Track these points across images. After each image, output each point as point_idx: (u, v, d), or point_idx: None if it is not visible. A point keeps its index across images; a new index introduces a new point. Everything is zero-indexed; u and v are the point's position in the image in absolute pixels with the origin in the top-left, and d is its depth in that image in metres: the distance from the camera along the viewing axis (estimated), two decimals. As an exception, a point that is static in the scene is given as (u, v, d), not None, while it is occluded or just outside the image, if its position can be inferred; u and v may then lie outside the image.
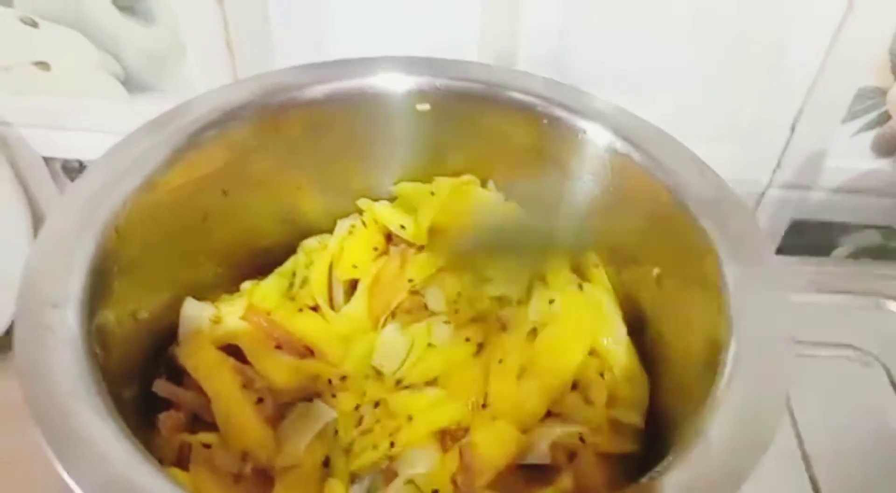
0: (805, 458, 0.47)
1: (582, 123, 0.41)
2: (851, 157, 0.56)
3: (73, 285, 0.31)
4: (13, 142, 0.57)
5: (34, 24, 0.52)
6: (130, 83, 0.54)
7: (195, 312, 0.41)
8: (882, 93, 0.52)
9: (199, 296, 0.42)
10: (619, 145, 0.40)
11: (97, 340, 0.31)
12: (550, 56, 0.51)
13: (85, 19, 0.51)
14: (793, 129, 0.54)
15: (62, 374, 0.28)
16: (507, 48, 0.51)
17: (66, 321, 0.30)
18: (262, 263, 0.45)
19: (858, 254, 0.62)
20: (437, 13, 0.50)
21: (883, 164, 0.56)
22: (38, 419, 0.26)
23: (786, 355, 0.31)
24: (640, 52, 0.51)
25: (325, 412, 0.37)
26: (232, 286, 0.44)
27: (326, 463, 0.37)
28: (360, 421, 0.38)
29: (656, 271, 0.40)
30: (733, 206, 0.36)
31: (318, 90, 0.42)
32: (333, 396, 0.39)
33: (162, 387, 0.38)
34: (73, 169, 0.60)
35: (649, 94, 0.52)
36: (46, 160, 0.59)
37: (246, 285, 0.44)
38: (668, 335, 0.39)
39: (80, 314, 0.30)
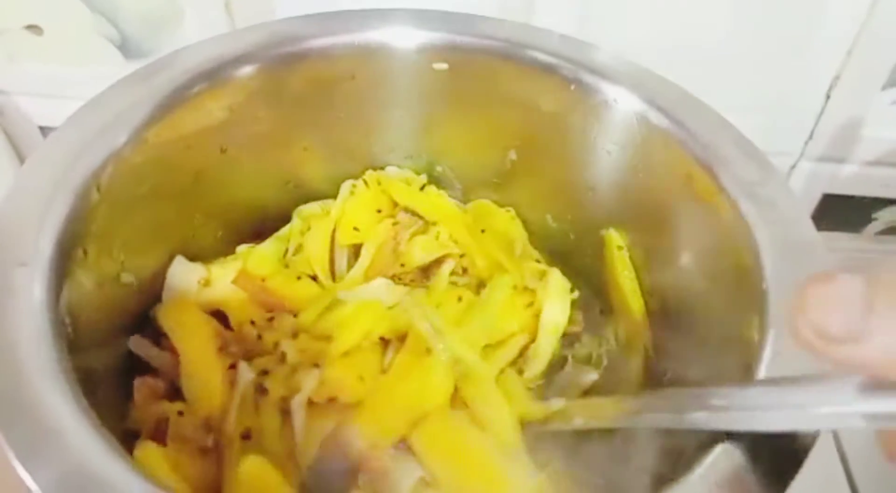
0: (840, 452, 0.45)
1: (610, 89, 0.38)
2: (890, 127, 0.53)
3: (44, 243, 0.28)
4: (8, 111, 0.55)
5: (25, -14, 0.49)
6: (127, 48, 0.51)
7: (183, 271, 0.39)
8: (924, 59, 0.48)
9: (192, 260, 0.39)
10: (653, 116, 0.37)
11: (67, 303, 0.28)
12: (573, 19, 0.48)
13: (77, -21, 0.48)
14: (828, 96, 0.51)
15: (23, 341, 0.26)
16: (526, 6, 0.48)
17: (33, 281, 0.27)
18: (262, 227, 0.43)
19: (893, 229, 0.59)
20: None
21: (922, 135, 0.53)
22: (4, 422, 0.24)
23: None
24: (668, 16, 0.48)
25: (244, 374, 0.35)
26: (228, 251, 0.42)
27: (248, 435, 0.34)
28: (282, 358, 0.36)
29: (686, 257, 0.37)
30: (779, 189, 0.33)
31: (324, 42, 0.39)
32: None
33: (137, 343, 0.36)
34: (71, 139, 0.58)
35: (677, 59, 0.49)
36: (42, 130, 0.57)
37: (242, 249, 0.42)
38: (695, 329, 0.36)
39: (50, 275, 0.28)
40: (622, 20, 0.48)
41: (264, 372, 0.35)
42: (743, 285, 0.31)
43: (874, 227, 0.59)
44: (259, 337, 0.37)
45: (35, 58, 0.52)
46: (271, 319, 0.38)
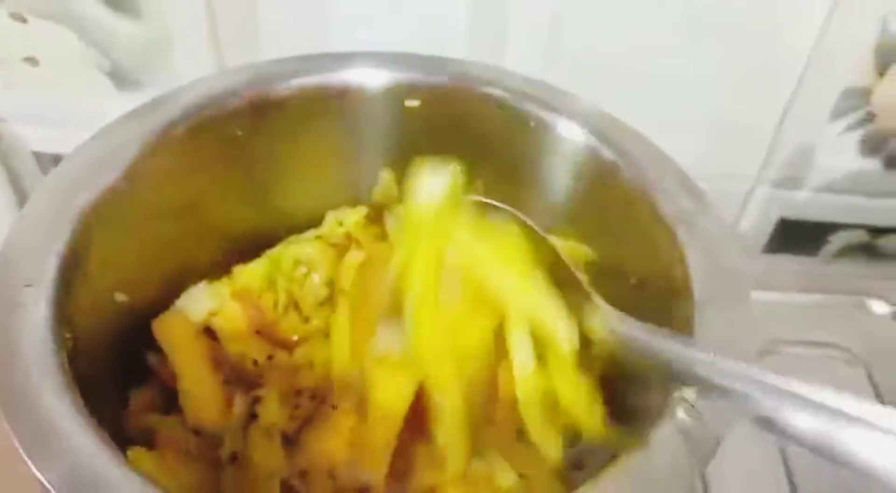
0: (783, 455, 0.47)
1: (566, 126, 0.41)
2: (839, 155, 0.56)
3: (49, 266, 0.32)
4: (4, 136, 0.58)
5: (23, 20, 0.52)
6: (118, 78, 0.54)
7: (198, 300, 0.41)
8: (867, 92, 0.52)
9: (188, 281, 0.42)
10: (604, 152, 0.40)
11: (68, 321, 0.31)
12: (539, 51, 0.51)
13: (72, 14, 0.51)
14: (780, 125, 0.54)
15: (30, 354, 0.29)
16: (496, 43, 0.51)
17: (39, 300, 0.30)
18: (256, 251, 0.45)
19: (845, 253, 0.62)
20: (426, 8, 0.50)
21: (870, 163, 0.56)
22: (4, 404, 0.27)
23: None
24: (629, 49, 0.51)
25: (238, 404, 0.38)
26: (222, 274, 0.44)
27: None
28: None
29: (634, 279, 0.39)
30: (711, 219, 0.36)
31: (297, 83, 0.42)
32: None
33: (153, 360, 0.39)
34: (64, 163, 0.60)
35: (637, 89, 0.52)
36: (36, 155, 0.59)
37: (238, 269, 0.44)
38: None
39: (53, 294, 0.31)
40: (586, 44, 0.51)
41: (256, 399, 0.38)
42: (677, 300, 0.34)
43: (828, 250, 0.62)
44: (255, 363, 0.40)
45: (31, 86, 0.55)
46: (270, 358, 0.40)
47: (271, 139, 0.43)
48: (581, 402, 0.36)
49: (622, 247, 0.40)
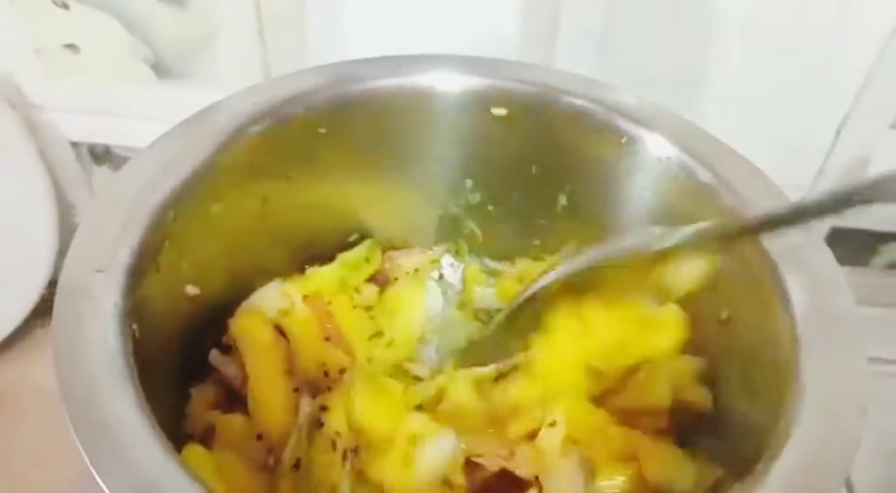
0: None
1: (653, 140, 0.39)
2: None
3: (122, 253, 0.31)
4: (41, 126, 0.57)
5: (65, 6, 0.51)
6: (160, 68, 0.53)
7: (272, 296, 0.41)
8: (933, 100, 0.50)
9: (257, 278, 0.42)
10: (697, 169, 0.38)
11: (136, 310, 0.31)
12: (590, 58, 0.50)
13: (116, 2, 0.50)
14: (838, 133, 0.53)
15: (94, 340, 0.28)
16: (545, 55, 0.50)
17: (108, 287, 0.30)
18: (327, 251, 0.45)
19: (897, 264, 0.61)
20: (478, 22, 0.49)
21: (929, 172, 0.54)
22: (66, 398, 0.26)
23: (854, 426, 0.29)
24: (684, 50, 0.50)
25: (305, 406, 0.37)
26: (293, 272, 0.44)
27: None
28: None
29: (725, 313, 0.38)
30: (816, 251, 0.34)
31: (378, 84, 0.41)
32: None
33: (215, 357, 0.39)
34: (100, 154, 0.59)
35: (692, 92, 0.51)
36: (73, 145, 0.58)
37: (311, 270, 0.44)
38: (729, 388, 0.37)
39: (124, 282, 0.30)
40: (641, 56, 0.50)
41: (323, 407, 0.37)
42: (775, 344, 0.32)
43: (879, 260, 0.61)
44: (325, 374, 0.39)
45: (71, 75, 0.54)
46: (342, 372, 0.39)
47: (351, 140, 0.42)
48: None
49: (716, 277, 0.38)
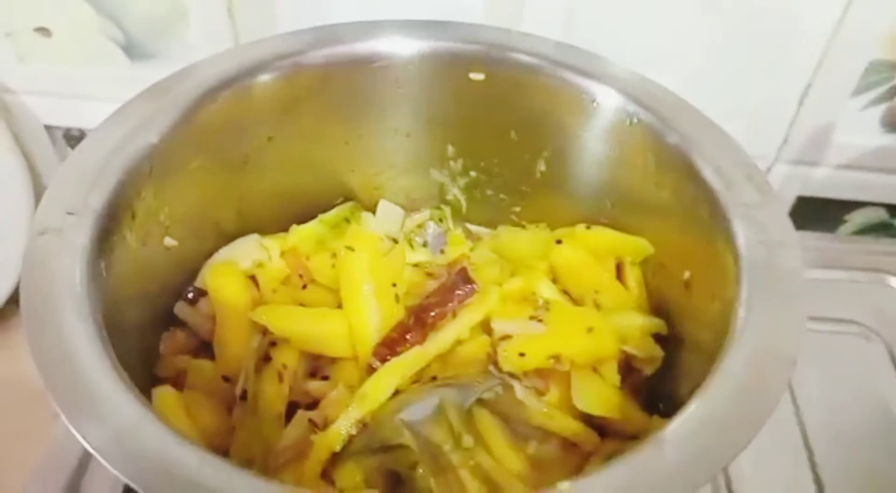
0: (802, 430, 0.47)
1: (621, 104, 0.41)
2: (860, 132, 0.55)
3: (94, 199, 0.32)
4: (15, 109, 0.57)
5: (35, -11, 0.51)
6: (131, 50, 0.53)
7: (248, 249, 0.43)
8: (893, 66, 0.51)
9: (238, 236, 0.43)
10: (673, 138, 0.39)
11: (106, 252, 0.32)
12: (558, 29, 0.50)
13: (86, -16, 0.50)
14: (801, 103, 0.54)
15: (62, 280, 0.30)
16: (513, 14, 0.50)
17: (78, 228, 0.31)
18: (306, 210, 0.46)
19: (864, 231, 0.62)
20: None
21: (892, 139, 0.55)
22: (29, 326, 0.28)
23: (779, 377, 0.30)
24: (647, 25, 0.51)
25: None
26: (270, 229, 0.45)
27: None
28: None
29: (687, 274, 0.39)
30: (770, 210, 0.35)
31: (362, 47, 0.42)
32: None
33: (181, 308, 0.41)
34: (75, 137, 0.59)
35: (656, 66, 0.51)
36: (48, 128, 0.59)
37: (293, 229, 0.45)
38: (682, 345, 0.39)
39: (94, 225, 0.32)
40: (606, 30, 0.50)
41: (273, 343, 0.38)
42: (721, 304, 0.33)
43: (846, 228, 0.62)
44: None
45: (43, 58, 0.54)
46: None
47: (330, 103, 0.43)
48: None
49: (679, 238, 0.39)
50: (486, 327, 0.40)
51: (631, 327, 0.40)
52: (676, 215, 0.39)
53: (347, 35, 0.42)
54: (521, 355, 0.38)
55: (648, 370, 0.40)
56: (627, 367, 0.40)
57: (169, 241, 0.38)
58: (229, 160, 0.41)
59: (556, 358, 0.38)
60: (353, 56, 0.42)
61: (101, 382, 0.27)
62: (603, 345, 0.39)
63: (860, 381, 0.51)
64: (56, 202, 0.32)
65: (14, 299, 0.59)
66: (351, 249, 0.40)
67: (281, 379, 0.37)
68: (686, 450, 0.27)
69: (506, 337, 0.38)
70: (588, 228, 0.44)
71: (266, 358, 0.37)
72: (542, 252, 0.44)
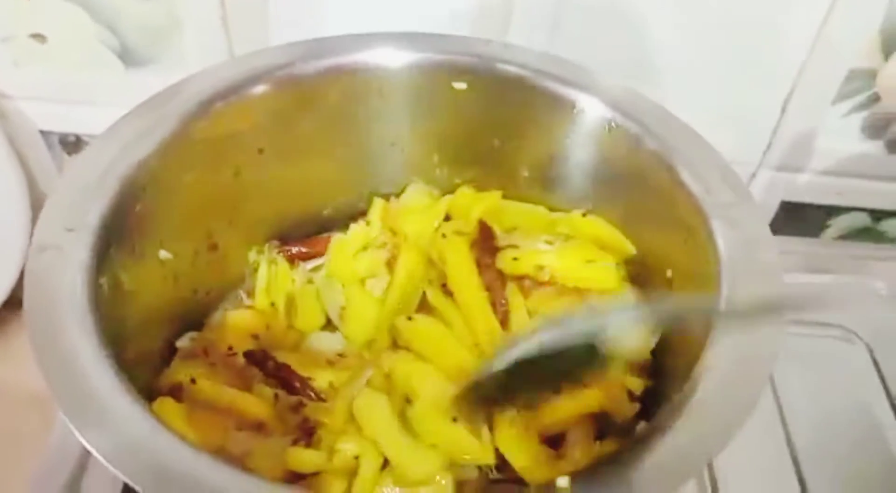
0: (786, 432, 0.48)
1: (609, 113, 0.42)
2: (842, 138, 0.56)
3: (92, 214, 0.34)
4: (11, 115, 0.58)
5: (31, -4, 0.52)
6: (127, 57, 0.54)
7: None
8: (872, 74, 0.52)
9: (232, 248, 0.45)
10: (647, 142, 0.40)
11: (105, 267, 0.33)
12: (544, 38, 0.52)
13: (82, -9, 0.51)
14: (784, 110, 0.55)
15: (64, 296, 0.31)
16: (500, 25, 0.51)
17: (77, 244, 0.32)
18: (297, 224, 0.47)
19: (847, 235, 0.63)
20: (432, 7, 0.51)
21: (873, 146, 0.56)
22: (37, 349, 0.29)
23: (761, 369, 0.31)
24: (632, 36, 0.52)
25: None
26: (265, 242, 0.47)
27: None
28: None
29: (669, 273, 0.40)
30: (746, 209, 0.36)
31: (351, 59, 0.43)
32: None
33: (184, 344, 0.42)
34: (70, 143, 0.60)
35: (640, 75, 0.53)
36: (44, 134, 0.59)
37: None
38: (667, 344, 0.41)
39: (92, 241, 0.33)
40: (591, 41, 0.51)
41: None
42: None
43: (830, 232, 0.63)
44: None
45: (39, 64, 0.55)
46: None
47: (318, 116, 0.44)
48: None
49: (661, 239, 0.41)
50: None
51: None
52: (657, 217, 0.40)
53: (336, 47, 0.43)
54: (514, 259, 0.42)
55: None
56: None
57: (164, 254, 0.39)
58: (221, 173, 0.42)
59: (541, 268, 0.42)
60: (341, 68, 0.43)
61: (106, 392, 0.28)
62: (600, 279, 0.42)
63: (843, 384, 0.52)
64: (54, 219, 0.33)
65: (9, 306, 0.59)
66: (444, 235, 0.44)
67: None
68: (674, 442, 0.28)
69: (513, 246, 0.43)
70: (584, 215, 0.45)
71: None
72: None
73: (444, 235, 0.45)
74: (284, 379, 0.40)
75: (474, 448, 0.35)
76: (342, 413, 0.37)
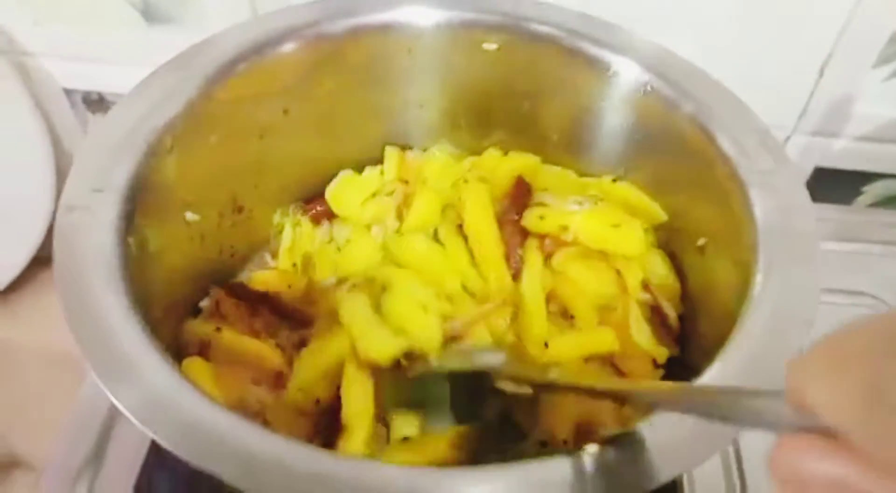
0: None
1: (640, 74, 0.41)
2: (881, 103, 0.55)
3: (119, 174, 0.34)
4: (34, 73, 0.57)
5: (52, -48, 0.51)
6: (149, 13, 0.53)
7: None
8: (917, 36, 0.50)
9: (257, 209, 0.44)
10: (689, 107, 0.39)
11: (132, 227, 0.33)
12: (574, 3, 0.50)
13: (104, -54, 0.50)
14: (821, 73, 0.53)
15: (92, 255, 0.31)
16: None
17: (105, 204, 0.32)
18: (320, 185, 0.47)
19: (881, 203, 0.61)
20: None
21: (913, 111, 0.55)
22: (66, 308, 0.29)
23: (796, 337, 0.30)
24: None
25: None
26: (287, 202, 0.46)
27: None
28: None
29: (702, 240, 0.39)
30: (785, 176, 0.35)
31: (377, 18, 0.42)
32: None
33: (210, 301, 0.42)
34: (93, 101, 0.60)
35: (675, 36, 0.51)
36: (67, 92, 0.59)
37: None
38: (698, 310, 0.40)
39: (119, 201, 0.33)
40: (621, 3, 0.50)
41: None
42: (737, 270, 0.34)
43: (863, 199, 0.62)
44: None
45: (60, 21, 0.54)
46: None
47: (344, 76, 0.43)
48: None
49: (694, 205, 0.40)
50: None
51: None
52: (692, 183, 0.39)
53: (364, 5, 0.42)
54: (541, 217, 0.42)
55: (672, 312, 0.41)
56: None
57: (190, 215, 0.39)
58: (247, 133, 0.42)
59: (566, 228, 0.42)
60: (369, 26, 0.42)
61: (135, 349, 0.28)
62: (625, 243, 0.41)
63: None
64: (82, 179, 0.33)
65: (36, 262, 0.60)
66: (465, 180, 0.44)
67: None
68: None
69: (541, 204, 0.43)
70: (614, 181, 0.45)
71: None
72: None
73: (465, 181, 0.44)
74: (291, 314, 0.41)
75: (436, 334, 0.38)
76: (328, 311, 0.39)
